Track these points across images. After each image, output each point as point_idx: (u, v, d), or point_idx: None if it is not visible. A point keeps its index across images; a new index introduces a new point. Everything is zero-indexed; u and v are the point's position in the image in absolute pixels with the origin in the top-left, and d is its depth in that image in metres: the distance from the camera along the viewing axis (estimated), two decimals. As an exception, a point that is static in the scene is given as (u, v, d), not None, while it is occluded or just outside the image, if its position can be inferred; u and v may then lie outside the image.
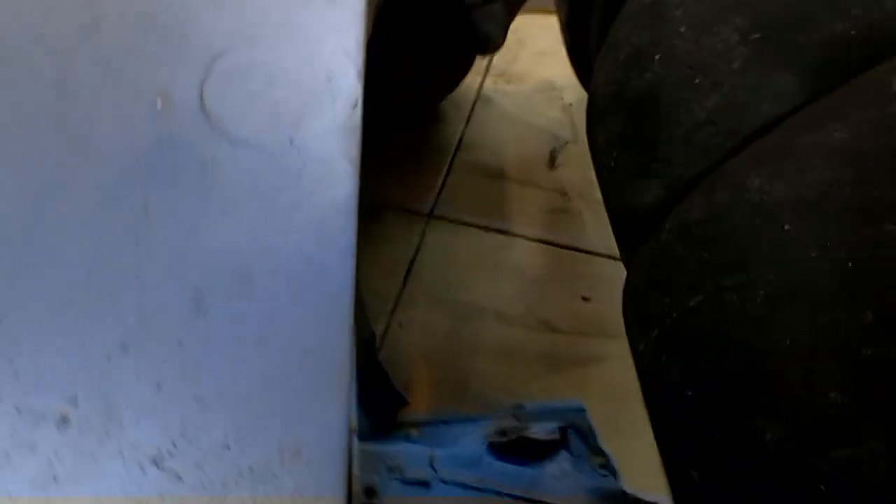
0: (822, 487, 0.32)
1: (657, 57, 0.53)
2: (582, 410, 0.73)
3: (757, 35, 0.43)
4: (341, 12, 0.40)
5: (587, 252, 1.60)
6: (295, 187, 0.37)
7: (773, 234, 0.37)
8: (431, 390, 1.42)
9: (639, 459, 1.09)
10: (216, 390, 0.33)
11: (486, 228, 1.65)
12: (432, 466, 0.54)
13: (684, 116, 0.49)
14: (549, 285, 1.55)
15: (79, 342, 0.34)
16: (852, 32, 0.37)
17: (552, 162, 1.72)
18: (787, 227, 0.36)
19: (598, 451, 0.68)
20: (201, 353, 0.34)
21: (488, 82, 1.88)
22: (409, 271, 1.59)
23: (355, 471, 0.48)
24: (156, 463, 0.32)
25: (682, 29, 0.50)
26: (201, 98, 0.36)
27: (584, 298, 1.50)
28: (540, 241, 1.61)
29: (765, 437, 0.36)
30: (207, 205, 0.36)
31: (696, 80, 0.48)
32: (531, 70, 1.90)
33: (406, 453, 0.54)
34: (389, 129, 1.71)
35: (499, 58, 1.90)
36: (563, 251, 1.58)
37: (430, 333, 1.50)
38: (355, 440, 0.52)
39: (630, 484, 0.79)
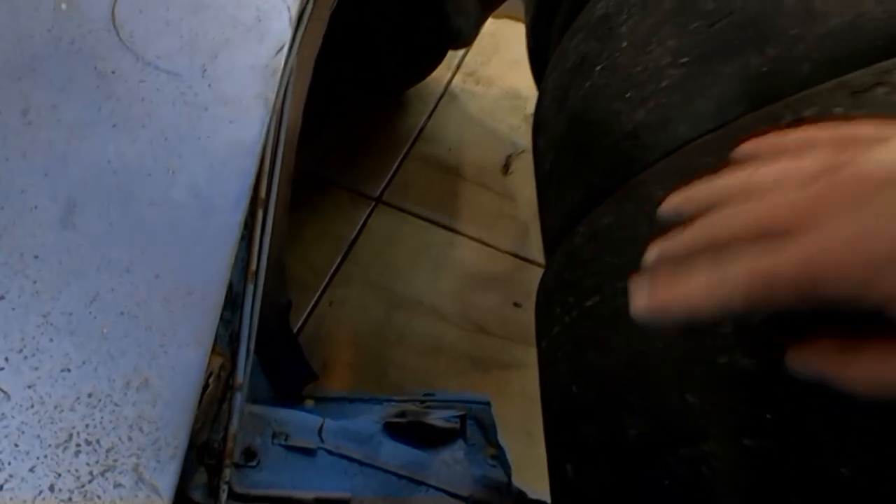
0: (667, 482, 0.33)
1: (598, 67, 0.55)
2: (487, 404, 0.74)
3: (686, 59, 0.45)
4: (287, -45, 0.38)
5: (526, 260, 1.63)
6: (198, 118, 0.35)
7: (666, 243, 0.38)
8: (349, 373, 1.41)
9: (542, 465, 1.13)
10: (68, 310, 0.31)
11: (432, 222, 1.65)
12: (320, 436, 0.53)
13: (614, 126, 0.50)
14: (485, 287, 1.57)
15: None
16: (764, 69, 0.40)
17: (506, 168, 1.75)
18: (678, 238, 0.37)
19: (494, 444, 0.69)
20: (60, 269, 0.31)
21: (457, 79, 1.89)
22: (348, 251, 1.57)
23: (233, 429, 0.47)
24: (-19, 378, 0.30)
25: (625, 44, 0.52)
26: (113, 9, 0.34)
27: (516, 304, 1.53)
28: (482, 242, 1.63)
29: (629, 434, 0.37)
30: (97, 116, 0.33)
31: (629, 94, 0.49)
32: (501, 75, 1.92)
33: (295, 419, 0.52)
34: (351, 108, 1.68)
35: (472, 57, 1.91)
36: (504, 255, 1.61)
37: (360, 316, 1.48)
38: (240, 398, 0.50)
39: (528, 487, 0.81)
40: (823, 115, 0.33)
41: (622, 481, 0.38)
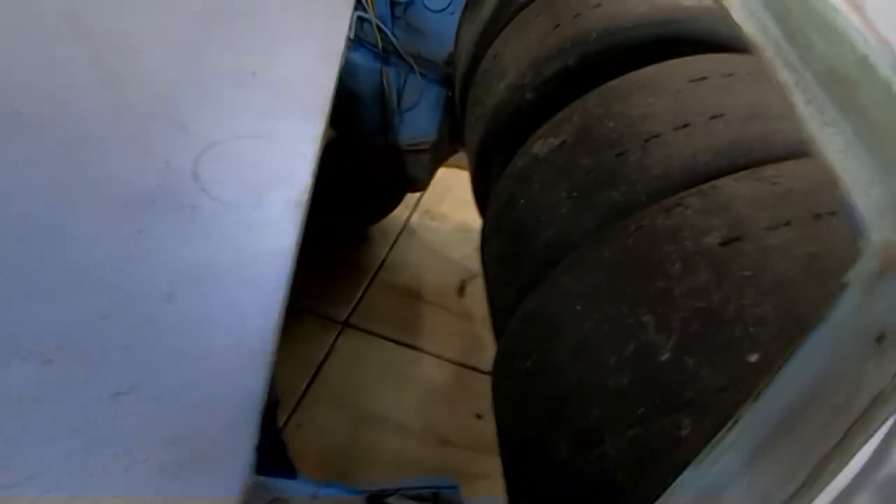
0: (583, 481, 0.46)
1: (522, 201, 0.76)
2: (454, 488, 0.82)
3: (575, 194, 0.67)
4: (307, 131, 0.59)
5: (485, 373, 1.74)
6: (252, 233, 0.51)
7: (571, 312, 0.55)
8: (319, 491, 1.40)
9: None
10: (171, 355, 0.43)
11: (396, 342, 1.77)
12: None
13: (534, 241, 0.70)
14: (448, 401, 1.65)
15: (71, 311, 0.44)
16: (621, 199, 0.61)
17: (461, 291, 1.95)
18: (578, 307, 0.55)
19: (463, 521, 0.76)
20: (165, 328, 0.44)
21: (415, 216, 2.17)
22: (316, 373, 1.64)
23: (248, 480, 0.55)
24: (114, 397, 0.40)
25: (537, 186, 0.74)
26: (195, 168, 0.52)
27: (478, 416, 1.61)
28: (444, 358, 1.75)
29: (559, 455, 0.50)
30: (186, 235, 0.49)
31: (542, 218, 0.70)
32: (454, 213, 2.21)
33: (293, 487, 0.61)
34: (323, 241, 1.88)
35: (427, 198, 2.22)
36: (464, 370, 1.72)
37: (328, 436, 1.51)
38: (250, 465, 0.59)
39: None
40: (651, 224, 0.53)
41: (558, 493, 0.50)
